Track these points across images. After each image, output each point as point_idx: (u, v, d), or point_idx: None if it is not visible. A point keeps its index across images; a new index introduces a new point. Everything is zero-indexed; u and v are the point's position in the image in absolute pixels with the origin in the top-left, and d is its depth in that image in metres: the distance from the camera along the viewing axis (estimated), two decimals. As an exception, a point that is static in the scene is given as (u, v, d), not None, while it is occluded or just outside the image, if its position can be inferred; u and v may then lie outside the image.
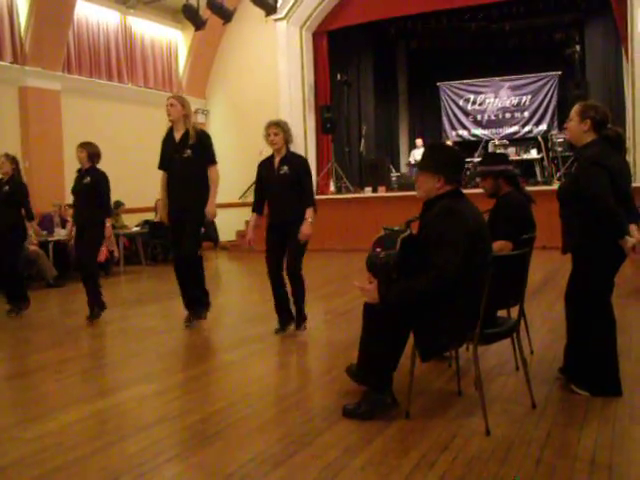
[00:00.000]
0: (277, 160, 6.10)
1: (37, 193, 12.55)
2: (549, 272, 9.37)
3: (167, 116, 6.55)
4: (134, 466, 3.27)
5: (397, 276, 3.65)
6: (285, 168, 6.02)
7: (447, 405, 4.02)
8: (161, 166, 6.72)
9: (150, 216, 14.10)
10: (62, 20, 13.18)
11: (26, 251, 10.22)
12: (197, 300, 6.72)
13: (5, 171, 7.92)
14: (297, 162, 6.13)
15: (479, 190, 5.40)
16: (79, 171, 7.47)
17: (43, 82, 13.10)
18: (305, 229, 5.93)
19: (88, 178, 7.28)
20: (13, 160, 8.01)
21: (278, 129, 6.05)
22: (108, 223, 7.20)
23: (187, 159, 6.44)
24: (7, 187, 7.87)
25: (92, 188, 7.25)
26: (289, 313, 6.23)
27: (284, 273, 6.13)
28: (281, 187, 6.03)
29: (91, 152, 7.35)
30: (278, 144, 6.06)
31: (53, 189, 12.21)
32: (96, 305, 7.30)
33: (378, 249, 3.79)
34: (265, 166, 6.23)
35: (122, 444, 3.61)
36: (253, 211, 6.35)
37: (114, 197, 12.98)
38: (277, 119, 6.40)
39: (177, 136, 6.55)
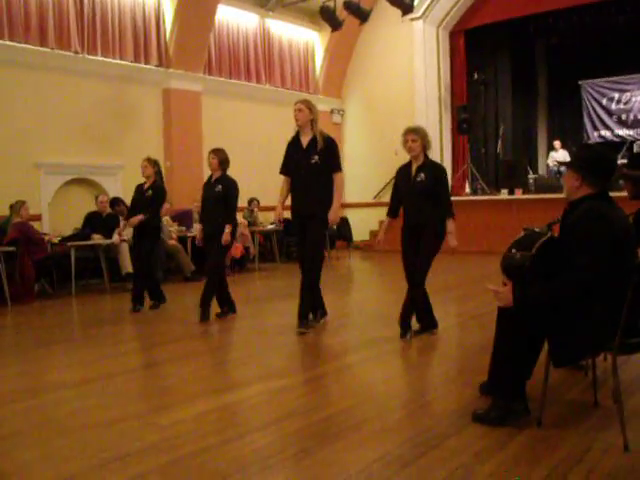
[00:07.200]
0: (414, 167, 6.03)
1: (178, 190, 13.14)
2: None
3: (295, 121, 6.57)
4: (261, 459, 3.35)
5: (532, 279, 3.54)
6: (422, 175, 5.95)
7: (581, 416, 3.87)
8: (283, 171, 6.75)
9: (285, 214, 14.34)
10: (204, 25, 13.73)
11: (165, 245, 10.70)
12: (312, 305, 6.75)
13: (148, 174, 8.25)
14: (435, 171, 6.04)
15: (623, 193, 5.15)
16: (209, 179, 7.66)
17: (185, 84, 13.68)
18: (451, 242, 5.92)
19: (220, 186, 7.44)
20: (155, 163, 8.32)
21: (416, 136, 5.98)
22: (227, 229, 7.33)
23: (315, 165, 6.45)
24: (150, 192, 8.22)
25: (223, 196, 7.42)
26: (424, 316, 6.19)
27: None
28: (416, 194, 5.97)
29: (222, 158, 7.50)
30: (416, 151, 5.99)
31: (193, 186, 12.62)
32: (205, 308, 7.44)
33: (514, 250, 3.70)
34: (402, 172, 6.18)
35: (251, 436, 3.70)
36: (388, 214, 6.34)
37: (250, 194, 13.45)
38: (415, 125, 6.33)
39: (304, 141, 6.55)
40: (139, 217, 8.09)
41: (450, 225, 5.93)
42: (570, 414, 3.92)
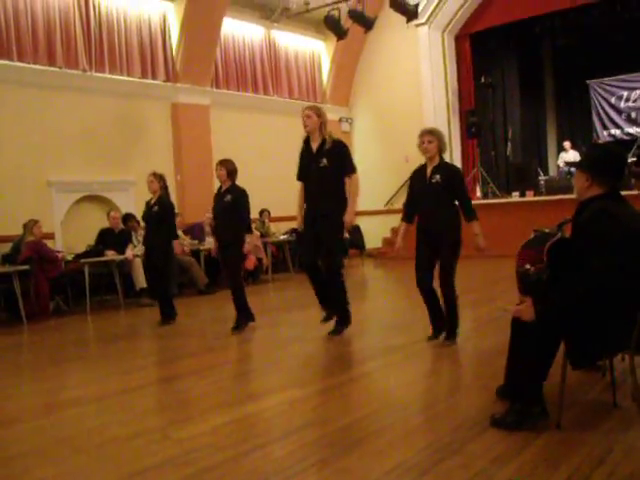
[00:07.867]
0: (430, 169, 6.00)
1: (189, 203, 13.19)
2: None
3: (303, 127, 6.61)
4: (281, 469, 3.34)
5: (549, 288, 3.50)
6: (437, 177, 5.92)
7: (601, 417, 3.83)
8: (299, 177, 6.81)
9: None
10: (210, 38, 13.79)
11: (179, 259, 10.71)
12: (337, 314, 6.73)
13: (154, 189, 8.30)
14: (450, 172, 6.03)
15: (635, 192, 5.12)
16: (219, 190, 7.65)
17: (193, 98, 13.75)
18: (480, 243, 5.99)
19: (229, 196, 7.45)
20: (161, 178, 8.36)
21: (432, 137, 5.96)
22: (248, 239, 7.36)
23: (323, 168, 6.48)
24: (156, 207, 8.24)
25: (233, 206, 7.42)
26: (441, 321, 6.13)
27: (434, 284, 6.03)
28: (431, 195, 5.94)
29: (230, 169, 7.50)
30: (431, 152, 5.97)
31: (204, 199, 12.63)
32: (243, 316, 7.47)
33: (527, 266, 3.67)
34: (417, 175, 6.17)
35: (270, 447, 3.70)
36: (403, 220, 6.30)
37: (262, 205, 13.47)
38: (431, 127, 6.34)
39: (314, 146, 6.60)
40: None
41: (476, 227, 5.99)
42: (589, 416, 3.89)
